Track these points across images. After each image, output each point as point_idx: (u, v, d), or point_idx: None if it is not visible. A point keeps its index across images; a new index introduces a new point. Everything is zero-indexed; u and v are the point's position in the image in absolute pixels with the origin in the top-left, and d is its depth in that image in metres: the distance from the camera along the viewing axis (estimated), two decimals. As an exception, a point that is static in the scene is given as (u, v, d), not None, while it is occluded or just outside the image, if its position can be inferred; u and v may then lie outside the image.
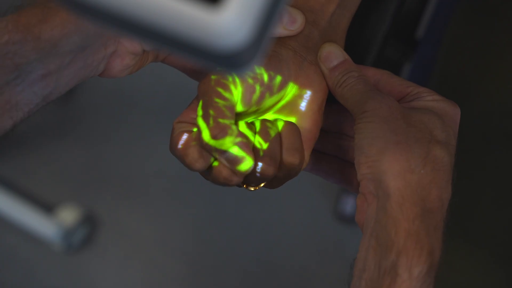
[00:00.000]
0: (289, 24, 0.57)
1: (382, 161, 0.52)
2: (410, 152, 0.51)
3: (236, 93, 0.54)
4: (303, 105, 0.58)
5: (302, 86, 0.57)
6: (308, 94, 0.57)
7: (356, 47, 0.64)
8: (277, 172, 0.55)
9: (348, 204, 1.38)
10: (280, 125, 0.57)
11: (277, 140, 0.55)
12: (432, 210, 0.51)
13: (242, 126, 0.55)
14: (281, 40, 0.57)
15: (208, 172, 0.54)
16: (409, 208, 0.50)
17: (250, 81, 0.55)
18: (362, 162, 0.53)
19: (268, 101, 0.57)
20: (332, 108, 0.60)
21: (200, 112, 0.53)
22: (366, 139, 0.53)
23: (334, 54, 0.58)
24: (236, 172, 0.53)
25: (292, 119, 0.58)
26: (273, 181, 0.56)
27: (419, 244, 0.50)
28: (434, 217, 0.51)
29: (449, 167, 0.53)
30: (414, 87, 0.57)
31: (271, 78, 0.56)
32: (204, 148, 0.52)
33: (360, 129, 0.54)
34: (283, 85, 0.57)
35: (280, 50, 0.57)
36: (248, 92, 0.55)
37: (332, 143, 0.61)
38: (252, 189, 0.57)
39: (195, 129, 0.55)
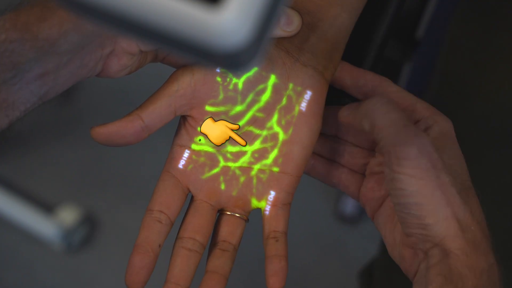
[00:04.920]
0: (286, 25, 0.57)
1: (435, 226, 0.51)
2: (459, 211, 0.51)
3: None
4: (293, 107, 0.57)
5: (294, 87, 0.57)
6: (299, 95, 0.57)
7: (356, 47, 0.64)
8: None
9: (348, 205, 1.38)
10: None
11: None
12: (494, 264, 0.51)
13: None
14: (274, 40, 0.57)
15: None
16: (474, 264, 0.50)
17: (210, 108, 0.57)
18: (410, 222, 0.52)
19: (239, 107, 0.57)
20: (328, 111, 0.60)
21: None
22: (412, 197, 0.51)
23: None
24: None
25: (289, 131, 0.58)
26: None
27: None
28: (496, 271, 0.51)
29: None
30: (411, 101, 0.56)
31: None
32: None
33: (402, 183, 0.51)
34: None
35: (270, 49, 0.57)
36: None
37: (328, 147, 0.60)
38: None
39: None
